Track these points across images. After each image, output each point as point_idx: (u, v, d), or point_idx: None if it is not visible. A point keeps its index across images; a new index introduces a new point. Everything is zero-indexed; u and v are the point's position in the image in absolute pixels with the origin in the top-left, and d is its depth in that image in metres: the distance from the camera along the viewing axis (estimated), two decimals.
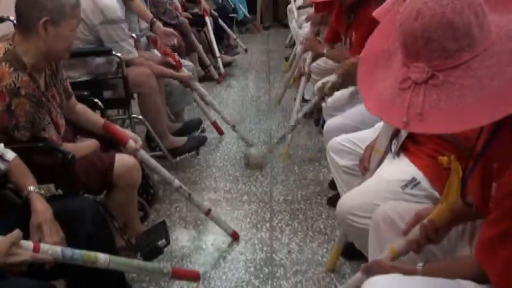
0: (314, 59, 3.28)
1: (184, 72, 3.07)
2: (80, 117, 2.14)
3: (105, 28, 2.62)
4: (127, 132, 2.16)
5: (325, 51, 2.90)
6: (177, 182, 2.27)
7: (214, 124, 3.54)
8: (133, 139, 2.09)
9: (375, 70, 1.13)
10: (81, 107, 2.16)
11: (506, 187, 1.02)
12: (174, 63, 3.04)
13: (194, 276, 2.08)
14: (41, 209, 1.55)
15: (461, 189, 1.33)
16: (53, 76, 1.92)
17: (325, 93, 2.54)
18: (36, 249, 1.39)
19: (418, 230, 1.35)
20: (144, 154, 2.17)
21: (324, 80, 2.68)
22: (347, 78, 2.44)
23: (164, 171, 2.27)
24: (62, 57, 1.90)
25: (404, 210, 1.54)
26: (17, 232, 1.36)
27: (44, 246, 1.42)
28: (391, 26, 1.10)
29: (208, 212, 2.36)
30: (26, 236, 1.45)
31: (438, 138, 1.70)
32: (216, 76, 4.73)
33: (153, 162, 2.23)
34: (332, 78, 2.50)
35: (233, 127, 3.49)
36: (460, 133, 1.53)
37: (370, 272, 1.35)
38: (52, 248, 1.44)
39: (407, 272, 1.26)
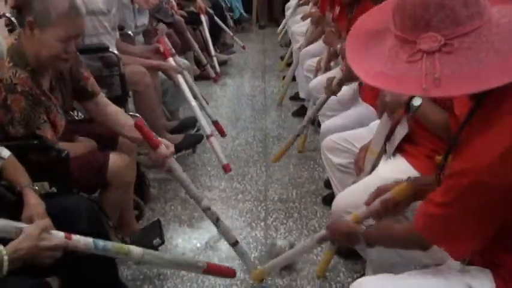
0: (331, 56, 3.20)
1: (170, 63, 3.01)
2: (109, 118, 2.04)
3: None
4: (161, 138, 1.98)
5: (338, 46, 2.89)
6: (206, 202, 2.03)
7: (216, 124, 3.45)
8: (166, 145, 1.89)
9: (365, 45, 1.13)
10: (114, 109, 2.07)
11: (451, 168, 1.12)
12: (162, 50, 3.00)
13: (229, 273, 1.99)
14: (34, 203, 1.55)
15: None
16: (61, 78, 1.91)
17: (333, 89, 2.53)
18: (68, 238, 1.39)
19: (379, 203, 1.47)
20: (174, 163, 1.93)
21: (329, 75, 2.66)
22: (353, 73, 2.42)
23: (192, 186, 2.03)
24: (48, 64, 1.81)
25: None
26: (47, 220, 1.36)
27: (75, 236, 1.42)
28: (385, 7, 1.14)
29: (235, 244, 2.09)
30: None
31: (435, 137, 1.70)
32: (213, 75, 4.71)
33: (182, 173, 1.98)
34: (339, 73, 2.49)
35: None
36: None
37: (329, 228, 1.60)
38: (84, 238, 1.43)
39: (351, 229, 1.47)
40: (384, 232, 1.40)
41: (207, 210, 2.01)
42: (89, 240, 1.43)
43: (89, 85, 2.02)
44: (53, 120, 1.84)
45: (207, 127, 2.86)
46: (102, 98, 2.07)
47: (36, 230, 1.33)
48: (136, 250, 1.52)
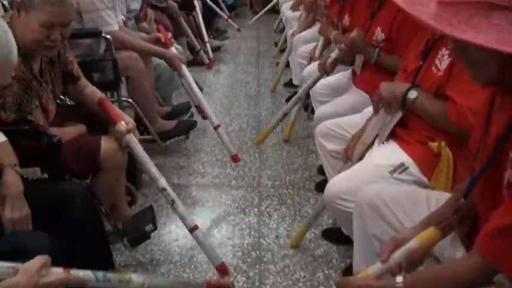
0: (324, 44, 3.18)
1: (173, 51, 2.97)
2: (86, 98, 2.07)
3: None
4: (123, 113, 2.00)
5: (332, 35, 2.87)
6: (162, 182, 1.99)
7: (198, 108, 3.48)
8: (126, 122, 1.91)
9: None
10: (91, 89, 2.09)
11: None
12: (163, 40, 2.97)
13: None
14: (10, 183, 1.54)
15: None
16: (50, 62, 1.89)
17: (326, 69, 2.52)
18: (67, 272, 1.29)
19: (398, 257, 1.25)
20: (132, 139, 1.93)
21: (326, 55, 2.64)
22: (348, 54, 2.41)
23: (151, 164, 2.01)
24: (34, 50, 1.77)
25: (388, 195, 1.54)
26: (45, 256, 1.26)
27: (74, 270, 1.32)
28: None
29: (194, 229, 2.02)
30: None
31: (429, 123, 1.70)
32: (206, 61, 4.68)
33: (141, 151, 1.96)
34: (334, 54, 2.49)
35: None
36: (462, 121, 1.54)
37: None
38: (84, 271, 1.34)
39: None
40: (435, 279, 1.14)
41: (163, 190, 1.99)
42: (88, 272, 1.35)
43: (74, 69, 2.03)
44: (45, 106, 1.83)
45: (214, 118, 2.83)
46: (83, 80, 2.09)
47: (34, 267, 1.21)
48: (138, 278, 1.45)
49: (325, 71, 2.54)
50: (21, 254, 1.29)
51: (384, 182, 1.70)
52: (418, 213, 1.45)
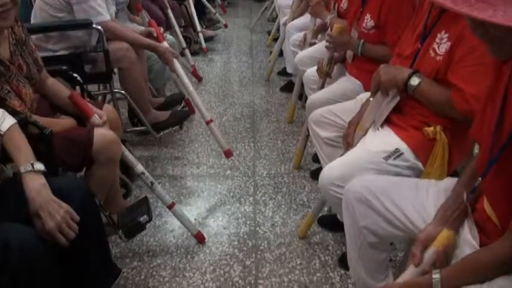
0: (318, 29, 3.16)
1: (166, 46, 2.93)
2: (48, 89, 2.04)
3: None
4: (94, 107, 2.02)
5: (328, 19, 2.85)
6: (139, 167, 2.14)
7: (187, 101, 3.49)
8: (99, 115, 1.96)
9: None
10: (51, 81, 2.07)
11: None
12: (155, 34, 2.94)
13: None
14: (33, 196, 1.44)
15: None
16: (18, 45, 1.86)
17: (324, 72, 2.51)
18: None
19: (429, 258, 1.25)
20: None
21: (315, 49, 2.59)
22: (338, 47, 2.40)
23: (128, 153, 2.13)
24: None
25: (376, 187, 1.52)
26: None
27: None
28: None
29: (171, 206, 2.20)
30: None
31: (424, 109, 1.68)
32: (191, 63, 4.58)
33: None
34: (326, 54, 2.48)
35: None
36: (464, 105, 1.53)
37: None
38: None
39: (422, 286, 1.18)
40: (473, 265, 1.15)
41: (141, 174, 2.14)
42: None
43: (38, 58, 2.00)
44: (17, 90, 1.78)
45: (206, 113, 2.80)
46: (45, 71, 2.06)
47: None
48: None
49: (325, 74, 2.53)
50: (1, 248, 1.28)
51: (379, 168, 1.70)
52: (407, 202, 1.45)
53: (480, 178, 1.22)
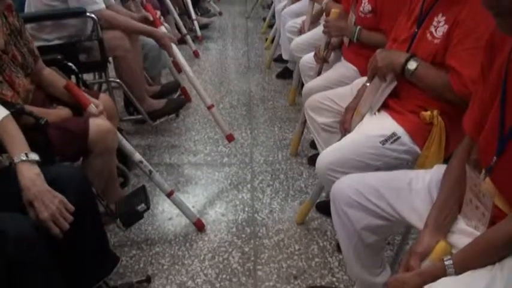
0: (315, 15, 3.13)
1: (164, 31, 2.89)
2: (45, 81, 2.02)
3: None
4: (91, 97, 2.01)
5: (323, 3, 2.83)
6: (137, 156, 2.14)
7: (183, 90, 3.49)
8: (96, 104, 1.96)
9: None
10: (47, 71, 2.05)
11: None
12: (152, 19, 2.90)
13: None
14: (28, 185, 1.43)
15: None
16: (12, 35, 1.84)
17: (322, 57, 2.51)
18: None
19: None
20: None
21: (311, 35, 2.58)
22: (334, 32, 2.39)
23: (125, 142, 2.14)
24: None
25: (364, 186, 1.47)
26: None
27: None
28: None
29: (170, 194, 2.20)
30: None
31: (421, 93, 1.68)
32: (194, 48, 4.57)
33: None
34: (323, 40, 2.47)
35: None
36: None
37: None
38: None
39: (435, 273, 1.15)
40: (483, 247, 1.14)
41: (140, 163, 2.15)
42: None
43: (35, 48, 1.98)
44: (9, 80, 1.77)
45: (207, 98, 2.78)
46: (41, 61, 2.04)
47: None
48: None
49: (323, 60, 2.52)
50: None
51: (376, 152, 1.69)
52: (399, 197, 1.42)
53: (495, 157, 1.18)
